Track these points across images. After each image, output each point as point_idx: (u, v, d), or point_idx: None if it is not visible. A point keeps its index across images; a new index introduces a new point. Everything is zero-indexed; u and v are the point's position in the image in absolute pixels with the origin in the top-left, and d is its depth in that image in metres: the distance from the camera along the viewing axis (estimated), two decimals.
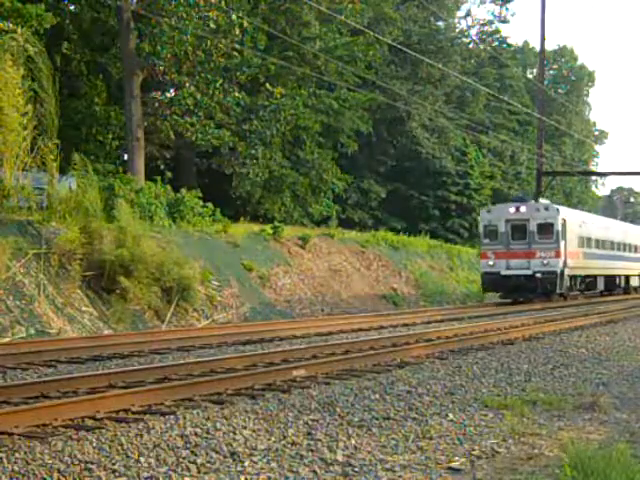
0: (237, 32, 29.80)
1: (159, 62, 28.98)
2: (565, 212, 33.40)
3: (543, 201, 33.91)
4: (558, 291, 31.26)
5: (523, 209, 31.42)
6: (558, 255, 30.93)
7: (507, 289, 31.76)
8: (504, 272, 31.12)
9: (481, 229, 32.71)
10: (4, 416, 7.58)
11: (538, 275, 30.54)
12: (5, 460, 6.41)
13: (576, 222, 34.33)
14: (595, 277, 36.90)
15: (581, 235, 34.54)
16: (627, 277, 42.96)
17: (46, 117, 21.81)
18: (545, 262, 30.66)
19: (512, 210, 31.66)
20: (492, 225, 31.99)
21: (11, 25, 22.72)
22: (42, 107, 21.84)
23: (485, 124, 56.61)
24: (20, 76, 20.73)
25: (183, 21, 28.32)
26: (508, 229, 31.48)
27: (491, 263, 31.36)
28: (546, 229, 31.06)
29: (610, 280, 39.75)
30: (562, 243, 31.28)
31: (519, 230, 31.35)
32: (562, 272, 31.18)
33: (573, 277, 33.21)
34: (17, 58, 21.04)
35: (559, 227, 31.11)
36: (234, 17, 29.30)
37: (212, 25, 28.83)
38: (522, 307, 29.56)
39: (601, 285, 38.22)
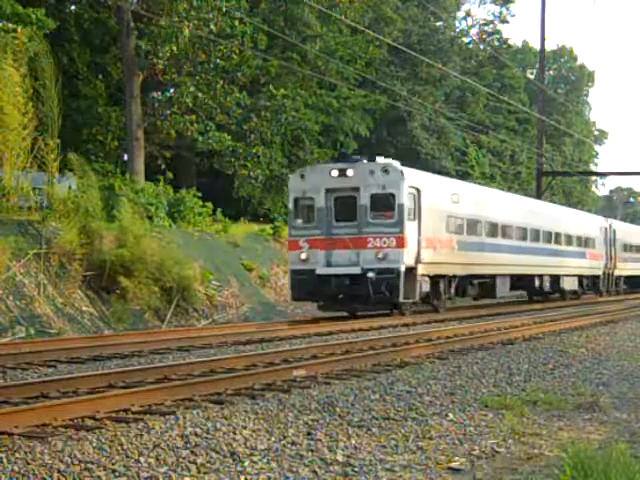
0: (239, 38, 29.87)
1: (159, 61, 29.00)
2: (417, 177, 22.40)
3: (381, 160, 21.89)
4: (402, 299, 20.83)
5: (351, 172, 21.08)
6: (402, 244, 20.69)
7: (326, 297, 21.56)
8: (321, 270, 20.96)
9: (290, 204, 22.32)
10: (4, 416, 7.58)
11: (370, 275, 20.32)
12: (5, 460, 6.40)
13: (443, 194, 23.50)
14: (493, 278, 26.46)
15: (454, 214, 23.86)
16: (557, 278, 32.28)
17: (48, 117, 21.84)
18: (381, 255, 20.55)
19: (335, 174, 21.24)
20: (307, 198, 21.74)
21: (11, 25, 22.74)
22: (43, 107, 21.86)
23: (485, 124, 56.64)
24: (20, 75, 20.75)
25: (183, 20, 28.34)
26: (330, 204, 21.39)
27: (304, 257, 21.17)
28: (384, 203, 20.94)
29: (523, 281, 29.52)
30: (411, 225, 21.16)
31: (346, 205, 21.30)
32: (411, 270, 21.00)
33: (439, 278, 22.91)
34: (21, 57, 21.06)
35: (404, 200, 20.82)
36: (237, 23, 29.34)
37: (213, 27, 28.85)
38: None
39: (504, 289, 27.47)
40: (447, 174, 50.53)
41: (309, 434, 7.56)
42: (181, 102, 30.01)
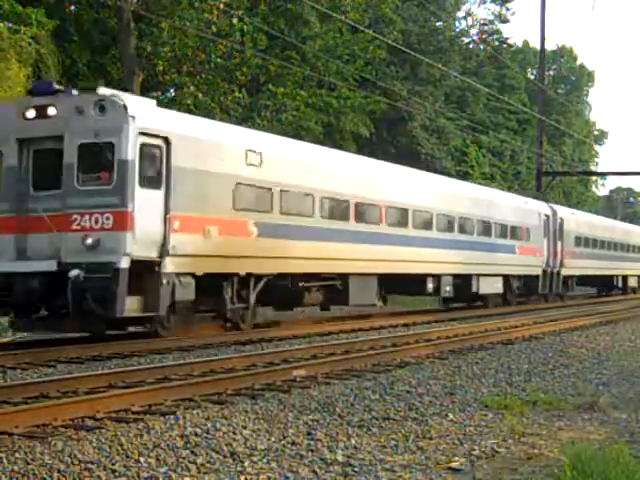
0: (238, 36, 29.86)
1: (159, 62, 28.99)
2: (163, 119, 14.81)
3: (103, 91, 13.91)
4: (127, 312, 13.51)
5: (53, 111, 13.84)
6: (125, 224, 13.47)
7: (15, 309, 14.25)
8: (4, 266, 13.90)
9: None
10: (4, 416, 7.58)
11: (73, 274, 12.96)
12: (5, 460, 6.40)
13: (226, 149, 15.85)
14: (345, 278, 19.47)
15: (252, 182, 16.34)
16: (467, 278, 25.46)
17: None
18: (91, 242, 13.26)
19: (31, 115, 13.95)
20: None
21: (11, 25, 22.77)
22: None
23: (485, 124, 56.60)
24: (24, 75, 20.76)
25: (184, 21, 28.35)
26: (26, 162, 14.23)
27: None
28: (99, 160, 13.76)
29: (405, 283, 22.43)
30: (148, 195, 13.92)
31: (49, 164, 14.06)
32: (149, 267, 13.91)
33: (221, 278, 15.86)
34: (25, 58, 21.03)
35: (130, 153, 13.58)
36: (235, 22, 29.33)
37: (213, 28, 28.86)
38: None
39: (365, 294, 20.32)
40: (447, 174, 50.49)
41: (309, 434, 7.56)
42: (181, 103, 30.01)
